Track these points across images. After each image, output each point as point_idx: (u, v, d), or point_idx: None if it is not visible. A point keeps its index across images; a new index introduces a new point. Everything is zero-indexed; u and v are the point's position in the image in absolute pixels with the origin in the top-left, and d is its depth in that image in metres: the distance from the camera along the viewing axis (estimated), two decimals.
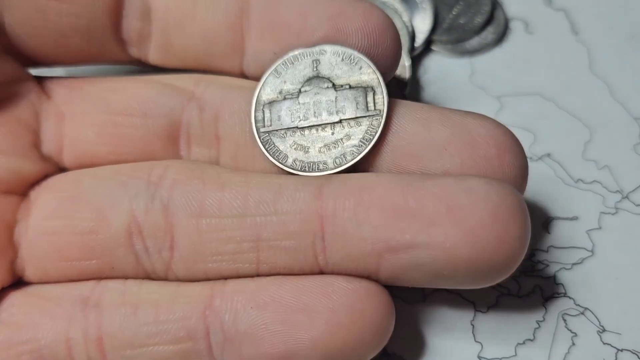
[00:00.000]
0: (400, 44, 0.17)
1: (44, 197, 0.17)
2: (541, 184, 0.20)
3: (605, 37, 0.22)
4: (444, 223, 0.14)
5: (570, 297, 0.18)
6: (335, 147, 0.16)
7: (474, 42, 0.23)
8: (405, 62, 0.21)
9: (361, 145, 0.16)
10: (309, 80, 0.17)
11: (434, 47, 0.23)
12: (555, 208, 0.19)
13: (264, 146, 0.16)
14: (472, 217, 0.14)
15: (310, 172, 0.16)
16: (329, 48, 0.17)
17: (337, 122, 0.16)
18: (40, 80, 0.18)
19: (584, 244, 0.19)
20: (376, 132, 0.16)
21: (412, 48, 0.22)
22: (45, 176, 0.17)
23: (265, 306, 0.15)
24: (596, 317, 0.18)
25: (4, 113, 0.17)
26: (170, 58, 0.18)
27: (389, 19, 0.17)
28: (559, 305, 0.18)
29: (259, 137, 0.17)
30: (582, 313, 0.18)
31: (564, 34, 0.22)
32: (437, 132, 0.15)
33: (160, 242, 0.16)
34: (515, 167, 0.15)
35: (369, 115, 0.16)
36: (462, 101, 0.22)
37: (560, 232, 0.19)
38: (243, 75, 0.18)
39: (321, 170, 0.16)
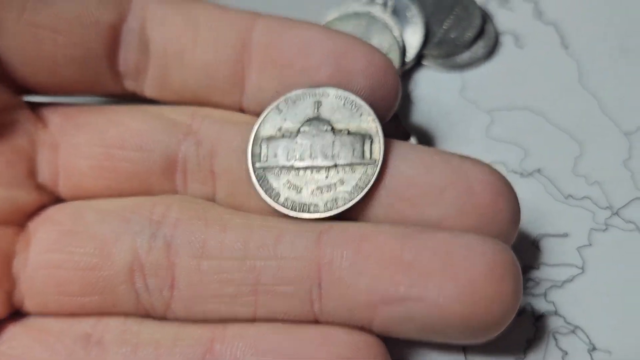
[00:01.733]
0: (400, 85, 0.17)
1: (44, 229, 0.17)
2: (532, 200, 0.20)
3: (595, 51, 0.22)
4: (438, 277, 0.14)
5: (560, 316, 0.18)
6: (328, 190, 0.16)
7: (465, 56, 0.23)
8: None
9: (353, 192, 0.16)
10: (309, 120, 0.17)
11: (424, 62, 0.23)
12: (546, 224, 0.19)
13: (258, 181, 0.16)
14: (466, 274, 0.14)
15: (300, 212, 0.16)
16: (332, 91, 0.17)
17: (332, 166, 0.16)
18: (35, 107, 0.18)
19: (575, 261, 0.19)
20: (369, 181, 0.16)
21: (403, 63, 0.22)
22: (42, 206, 0.17)
23: (264, 354, 0.15)
24: (587, 335, 0.18)
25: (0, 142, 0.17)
26: (167, 92, 0.18)
27: (389, 62, 0.17)
28: (550, 324, 0.18)
29: (254, 172, 0.16)
30: (573, 331, 0.18)
31: (554, 47, 0.23)
32: (435, 177, 0.16)
33: (162, 281, 0.16)
34: (508, 212, 0.16)
35: (364, 164, 0.16)
36: (453, 115, 0.22)
37: (551, 249, 0.19)
38: (242, 111, 0.18)
39: (311, 212, 0.16)
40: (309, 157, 0.16)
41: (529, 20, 0.23)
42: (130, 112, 0.18)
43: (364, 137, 0.16)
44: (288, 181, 0.16)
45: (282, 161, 0.16)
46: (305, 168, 0.16)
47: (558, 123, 0.21)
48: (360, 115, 0.17)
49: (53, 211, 0.17)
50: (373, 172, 0.16)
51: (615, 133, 0.21)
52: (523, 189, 0.20)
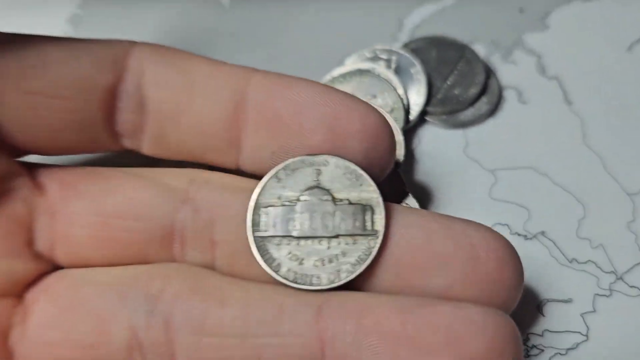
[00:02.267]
0: (395, 143, 0.17)
1: (42, 303, 0.17)
2: (536, 264, 0.20)
3: (598, 108, 0.22)
4: (442, 354, 0.14)
5: None
6: (330, 262, 0.16)
7: (468, 113, 0.23)
8: (399, 137, 0.22)
9: (356, 264, 0.16)
10: (309, 189, 0.17)
11: (427, 118, 0.23)
12: (550, 289, 0.19)
13: (259, 251, 0.16)
14: (470, 350, 0.14)
15: (302, 284, 0.16)
16: (332, 160, 0.17)
17: (333, 237, 0.16)
18: (32, 170, 0.18)
19: (579, 328, 0.19)
20: (372, 253, 0.16)
21: (407, 121, 0.22)
22: (40, 275, 0.17)
23: None
24: None
25: None
26: (164, 150, 0.18)
27: (385, 122, 0.17)
28: None
29: (255, 242, 0.16)
30: None
31: (557, 103, 0.23)
32: (440, 245, 0.16)
33: (162, 359, 0.16)
34: (513, 280, 0.16)
35: (365, 235, 0.16)
36: (457, 174, 0.22)
37: (555, 315, 0.19)
38: (239, 171, 0.18)
39: (314, 285, 0.16)
40: (309, 227, 0.16)
41: (532, 75, 0.23)
42: (127, 178, 0.18)
43: (365, 208, 0.16)
44: (290, 252, 0.16)
45: (281, 230, 0.16)
46: (306, 238, 0.16)
47: (562, 183, 0.21)
48: (361, 185, 0.16)
49: (51, 282, 0.17)
50: (375, 244, 0.16)
51: (619, 194, 0.21)
52: (527, 252, 0.20)
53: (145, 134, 0.18)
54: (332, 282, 0.16)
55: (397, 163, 0.21)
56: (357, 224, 0.16)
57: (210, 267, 0.17)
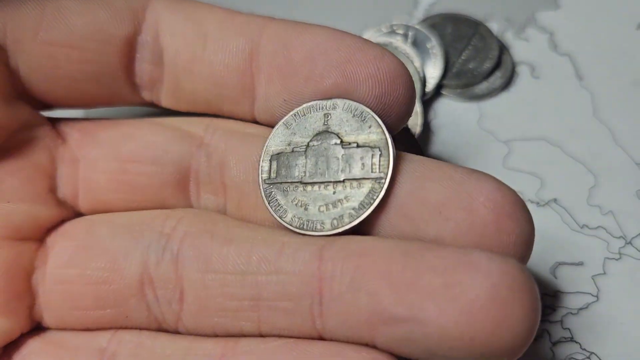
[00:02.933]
0: (414, 91, 0.16)
1: (60, 244, 0.17)
2: (549, 229, 0.21)
3: (608, 83, 0.23)
4: (438, 298, 0.13)
5: (576, 342, 0.19)
6: (334, 207, 0.16)
7: (483, 86, 0.23)
8: (417, 108, 0.22)
9: (360, 209, 0.15)
10: (318, 134, 0.16)
11: (443, 92, 0.24)
12: (562, 253, 0.20)
13: (267, 198, 0.16)
14: (468, 295, 0.13)
15: (307, 230, 0.16)
16: (340, 103, 0.16)
17: (340, 182, 0.16)
18: (54, 122, 0.19)
19: (590, 289, 0.20)
20: (377, 197, 0.15)
21: (423, 93, 0.23)
22: (62, 221, 0.18)
23: None
24: None
25: (21, 158, 0.17)
26: (182, 102, 0.18)
27: (401, 65, 0.16)
28: (566, 350, 0.19)
29: (263, 189, 0.16)
30: (588, 357, 0.19)
31: (568, 78, 0.23)
32: (432, 193, 0.15)
33: (170, 294, 0.16)
34: (515, 235, 0.14)
35: (372, 178, 0.15)
36: (472, 145, 0.22)
37: (567, 277, 0.20)
38: (254, 121, 0.18)
39: (318, 230, 0.16)
40: (317, 172, 0.16)
41: (544, 51, 0.24)
42: (145, 125, 0.18)
43: (373, 150, 0.16)
44: (296, 198, 0.16)
45: (290, 177, 0.16)
46: (314, 183, 0.16)
47: (573, 154, 0.22)
48: (370, 127, 0.16)
49: (69, 226, 0.18)
50: (381, 187, 0.15)
51: (628, 164, 0.21)
52: (540, 218, 0.21)
53: (163, 85, 0.18)
54: (336, 227, 0.16)
55: (413, 134, 0.22)
56: (365, 167, 0.16)
57: (223, 211, 0.18)
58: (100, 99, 0.18)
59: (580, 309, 0.19)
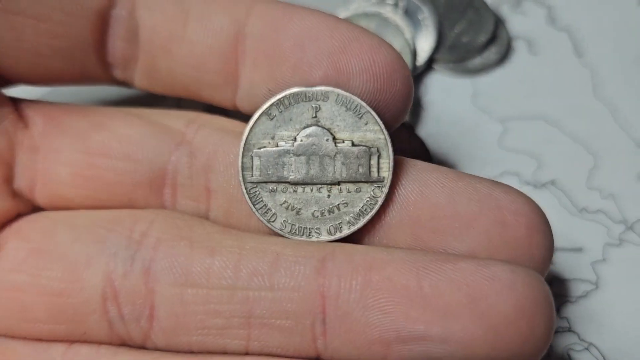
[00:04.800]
0: (412, 88, 0.15)
1: (13, 244, 0.15)
2: (546, 212, 0.19)
3: (609, 60, 0.22)
4: (462, 315, 0.13)
5: (574, 332, 0.18)
6: (330, 213, 0.15)
7: (477, 61, 0.22)
8: None
9: (360, 216, 0.14)
10: (306, 127, 0.15)
11: (435, 66, 0.22)
12: (560, 238, 0.19)
13: (251, 200, 0.15)
14: (495, 311, 0.13)
15: (300, 236, 0.15)
16: (332, 93, 0.14)
17: (334, 184, 0.15)
18: (17, 103, 0.17)
19: (589, 277, 0.18)
20: (376, 203, 0.14)
21: (414, 67, 0.21)
22: (17, 214, 0.16)
23: None
24: (600, 352, 0.17)
25: None
26: (156, 84, 0.17)
27: (399, 59, 0.15)
28: (564, 340, 0.18)
29: (246, 188, 0.15)
30: (587, 348, 0.17)
31: (567, 55, 0.22)
32: (463, 206, 0.14)
33: (139, 310, 0.14)
34: (544, 249, 0.14)
35: (371, 182, 0.14)
36: (465, 123, 0.21)
37: (565, 264, 0.19)
38: (235, 109, 0.16)
39: (312, 237, 0.15)
40: (307, 172, 0.15)
41: (542, 26, 0.23)
42: (119, 115, 0.16)
43: (370, 150, 0.15)
44: (285, 200, 0.15)
45: (276, 175, 0.15)
46: (304, 184, 0.15)
47: (572, 134, 0.21)
48: (366, 123, 0.14)
49: (25, 223, 0.16)
50: (381, 192, 0.14)
51: (630, 145, 0.20)
52: (536, 201, 0.20)
53: (137, 65, 0.16)
54: (332, 234, 0.14)
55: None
56: (361, 169, 0.14)
57: (204, 217, 0.16)
58: (67, 76, 0.17)
59: (579, 297, 0.18)
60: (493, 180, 0.15)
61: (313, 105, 0.15)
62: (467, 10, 0.23)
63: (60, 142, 0.16)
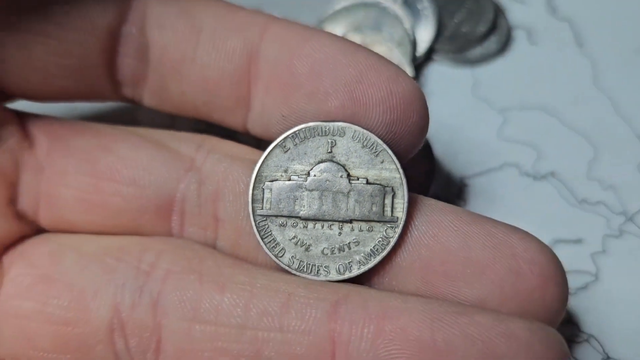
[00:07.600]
0: (428, 119, 0.15)
1: (18, 269, 0.15)
2: (546, 204, 0.19)
3: (610, 50, 0.22)
4: None
5: (574, 324, 0.18)
6: (341, 251, 0.14)
7: (476, 51, 0.22)
8: (408, 72, 0.21)
9: (371, 255, 0.14)
10: (320, 162, 0.14)
11: (435, 56, 0.22)
12: (560, 229, 0.19)
13: (259, 233, 0.14)
14: None
15: (308, 273, 0.14)
16: (349, 129, 0.14)
17: (346, 222, 0.14)
18: (22, 119, 0.16)
19: (588, 268, 0.18)
20: (388, 244, 0.14)
21: (414, 57, 0.21)
22: (21, 237, 0.15)
23: None
24: (600, 344, 0.17)
25: None
26: (166, 104, 0.16)
27: (417, 89, 0.14)
28: (564, 332, 0.17)
29: (255, 221, 0.14)
30: (587, 340, 0.17)
31: (568, 45, 0.22)
32: (477, 252, 0.14)
33: (145, 343, 0.14)
34: (557, 301, 0.14)
35: (384, 222, 0.14)
36: (465, 114, 0.21)
37: (564, 255, 0.18)
38: (246, 132, 0.16)
39: (321, 275, 0.14)
40: (319, 208, 0.14)
41: (542, 16, 0.22)
42: (127, 137, 0.16)
43: (385, 189, 0.14)
44: (295, 236, 0.14)
45: (287, 210, 0.14)
46: (315, 220, 0.14)
47: (572, 125, 0.20)
48: (382, 161, 0.14)
49: (31, 246, 0.15)
50: (394, 233, 0.14)
51: (630, 136, 0.20)
52: (536, 192, 0.20)
53: (147, 84, 0.16)
54: (342, 273, 0.14)
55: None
56: (375, 208, 0.14)
57: (212, 246, 0.15)
58: (76, 93, 0.17)
59: (579, 288, 0.18)
60: (508, 225, 0.14)
61: (329, 140, 0.14)
62: None
63: (66, 164, 0.16)
